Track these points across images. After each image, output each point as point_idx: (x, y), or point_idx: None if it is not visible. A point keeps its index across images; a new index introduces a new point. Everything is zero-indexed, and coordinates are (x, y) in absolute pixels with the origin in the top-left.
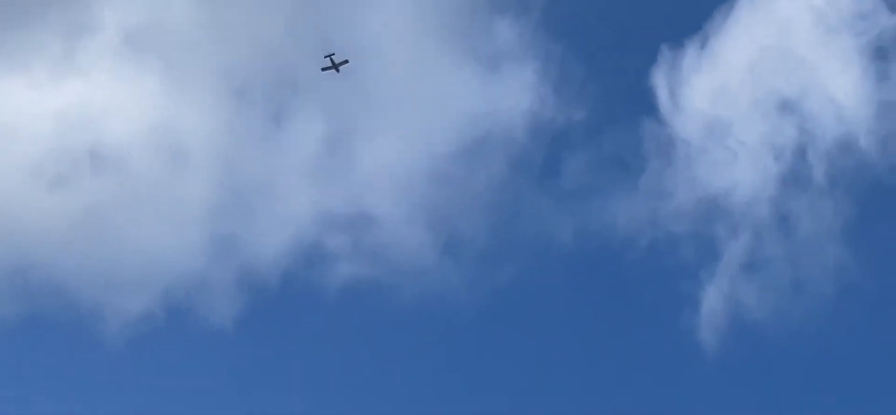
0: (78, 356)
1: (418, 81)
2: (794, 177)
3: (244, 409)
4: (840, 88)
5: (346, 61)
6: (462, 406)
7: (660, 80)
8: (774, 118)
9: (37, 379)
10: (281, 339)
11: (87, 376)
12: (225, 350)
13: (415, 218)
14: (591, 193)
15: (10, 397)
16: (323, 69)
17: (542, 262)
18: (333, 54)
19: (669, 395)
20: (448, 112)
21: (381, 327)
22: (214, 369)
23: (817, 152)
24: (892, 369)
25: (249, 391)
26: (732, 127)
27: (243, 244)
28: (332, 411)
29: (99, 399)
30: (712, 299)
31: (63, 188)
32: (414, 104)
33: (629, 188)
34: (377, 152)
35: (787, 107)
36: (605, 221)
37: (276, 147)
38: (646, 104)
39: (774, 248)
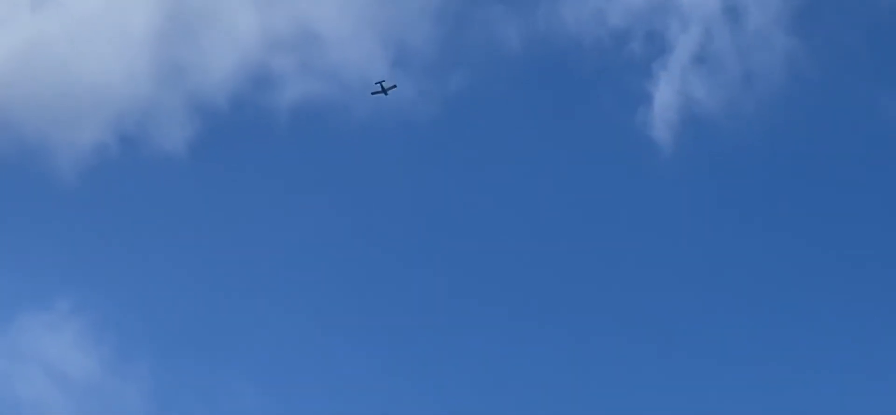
0: (32, 193)
1: None
2: None
3: (205, 233)
4: None
5: (394, 86)
6: (420, 216)
7: None
8: None
9: None
10: (235, 162)
11: (43, 212)
12: (180, 176)
13: (362, 33)
14: None
15: None
16: (372, 93)
17: (492, 68)
18: (383, 81)
19: (627, 192)
20: None
21: (335, 143)
22: (172, 196)
23: None
24: (841, 155)
25: (208, 215)
26: None
27: (190, 69)
28: (291, 227)
29: (57, 234)
30: (664, 94)
31: (4, 26)
32: None
33: None
34: None
35: None
36: (553, 23)
37: None
38: None
39: (724, 40)
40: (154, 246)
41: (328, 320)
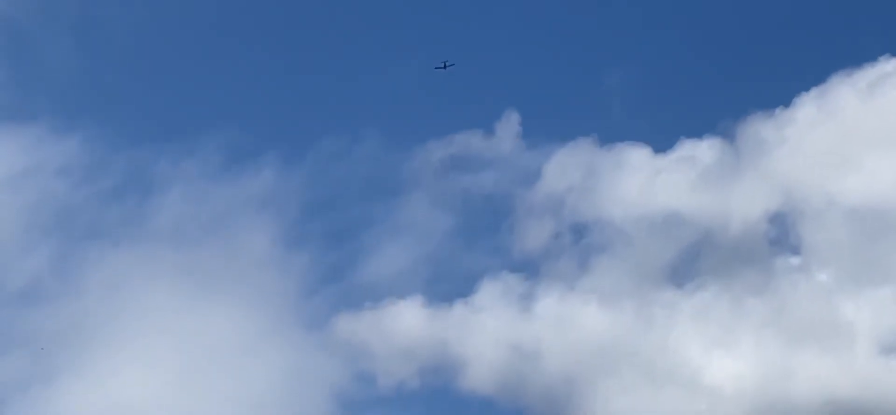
0: None
1: None
2: None
3: None
4: None
5: (454, 64)
6: None
7: None
8: None
9: None
10: None
11: None
12: None
13: None
14: None
15: None
16: (436, 68)
17: None
18: (447, 60)
19: None
20: None
21: None
22: None
23: None
24: None
25: None
26: None
27: None
28: None
29: None
30: None
31: None
32: None
33: None
34: None
35: None
36: None
37: None
38: None
39: None
40: None
41: None
